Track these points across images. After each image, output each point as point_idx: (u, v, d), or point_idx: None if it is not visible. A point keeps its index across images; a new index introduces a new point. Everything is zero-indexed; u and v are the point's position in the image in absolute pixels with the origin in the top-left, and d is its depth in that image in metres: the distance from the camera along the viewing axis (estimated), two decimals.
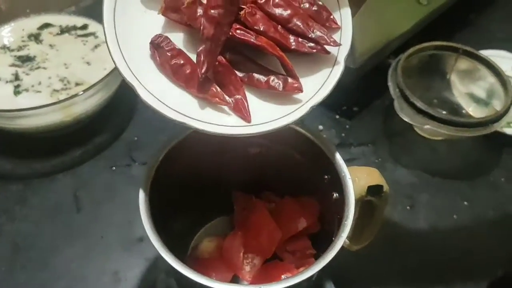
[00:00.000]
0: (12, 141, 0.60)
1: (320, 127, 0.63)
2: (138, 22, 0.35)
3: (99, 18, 0.65)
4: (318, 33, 0.33)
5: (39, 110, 0.52)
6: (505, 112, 0.57)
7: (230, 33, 0.33)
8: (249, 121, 0.33)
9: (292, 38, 0.34)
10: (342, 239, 0.34)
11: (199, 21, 0.33)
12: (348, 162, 0.59)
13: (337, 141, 0.62)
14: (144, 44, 0.34)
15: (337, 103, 0.66)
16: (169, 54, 0.33)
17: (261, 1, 0.34)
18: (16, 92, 0.58)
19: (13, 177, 0.57)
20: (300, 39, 0.34)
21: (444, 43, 0.63)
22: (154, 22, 0.35)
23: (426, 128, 0.59)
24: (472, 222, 0.56)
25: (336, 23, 0.34)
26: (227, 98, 0.33)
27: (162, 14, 0.34)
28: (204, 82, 0.33)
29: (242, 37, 0.33)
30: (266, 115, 0.33)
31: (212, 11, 0.32)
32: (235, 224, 0.45)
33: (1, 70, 0.60)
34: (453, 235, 0.54)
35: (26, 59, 0.62)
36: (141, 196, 0.37)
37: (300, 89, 0.33)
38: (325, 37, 0.33)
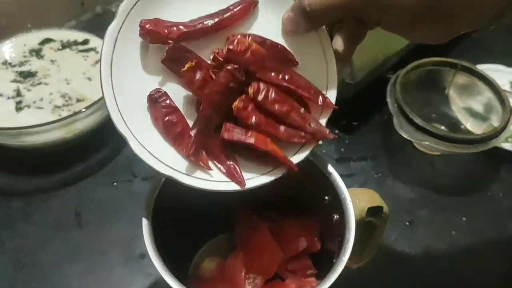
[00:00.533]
0: (13, 158, 0.60)
1: (320, 142, 0.63)
2: (139, 71, 0.35)
3: (100, 33, 0.67)
4: (314, 125, 0.36)
5: (42, 128, 0.52)
6: (503, 128, 0.58)
7: (221, 137, 0.35)
8: (243, 186, 0.35)
9: (282, 128, 0.36)
10: (343, 263, 0.34)
11: (196, 85, 0.34)
12: (348, 177, 0.61)
13: (336, 156, 0.63)
14: (145, 93, 0.35)
15: (336, 118, 0.66)
16: (164, 111, 0.35)
17: (260, 99, 0.35)
18: (18, 108, 0.59)
19: (15, 194, 0.57)
20: (289, 129, 0.36)
21: (443, 59, 0.64)
22: (156, 69, 0.36)
23: (425, 144, 0.60)
24: (471, 238, 0.56)
25: (332, 105, 0.37)
26: (211, 164, 0.35)
27: (162, 62, 0.35)
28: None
29: (235, 139, 0.35)
30: (251, 172, 0.36)
31: (216, 95, 0.34)
32: (237, 243, 0.45)
33: (3, 86, 0.61)
34: (452, 251, 0.55)
35: (27, 75, 0.62)
36: (144, 220, 0.37)
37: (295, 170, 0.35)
38: (321, 130, 0.36)
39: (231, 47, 0.34)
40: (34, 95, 0.60)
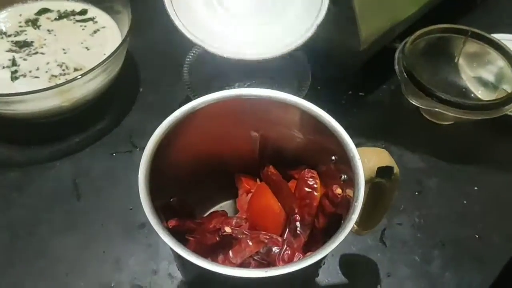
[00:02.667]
0: (9, 127, 0.58)
1: None
2: None
3: (98, 3, 0.65)
4: None
5: (36, 95, 0.50)
6: None
7: None
8: None
9: None
10: (352, 221, 0.32)
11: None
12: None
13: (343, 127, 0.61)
14: None
15: (343, 89, 0.65)
16: None
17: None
18: (13, 77, 0.57)
19: (11, 164, 0.55)
20: None
21: (452, 26, 0.62)
22: None
23: (434, 112, 0.58)
24: (482, 207, 0.54)
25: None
26: None
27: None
28: None
29: None
30: None
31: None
32: (239, 208, 0.44)
33: None
34: (463, 221, 0.53)
35: (23, 45, 0.61)
36: (141, 179, 0.35)
37: None
38: None
39: None
40: (30, 64, 0.58)
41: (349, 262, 0.49)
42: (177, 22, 0.52)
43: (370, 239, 0.51)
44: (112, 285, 0.47)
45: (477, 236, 0.52)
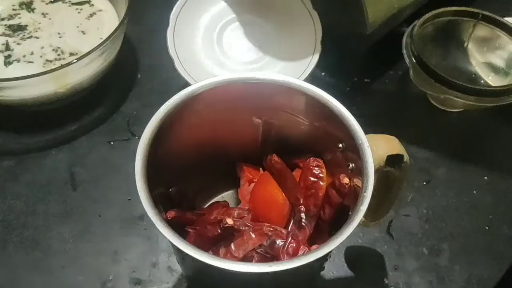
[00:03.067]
0: (3, 115, 0.56)
1: None
2: None
3: None
4: None
5: (30, 80, 0.48)
6: None
7: None
8: None
9: None
10: (361, 213, 0.30)
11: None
12: None
13: None
14: None
15: (348, 75, 0.62)
16: None
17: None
18: (7, 62, 0.55)
19: (4, 153, 0.53)
20: None
21: (462, 8, 0.59)
22: None
23: (443, 99, 0.55)
24: (493, 197, 0.52)
25: None
26: None
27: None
28: None
29: None
30: None
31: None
32: (240, 198, 0.42)
33: None
34: (473, 212, 0.51)
35: (17, 28, 0.58)
36: (137, 168, 0.33)
37: None
38: None
39: None
40: (24, 49, 0.56)
41: (355, 255, 0.48)
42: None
43: (377, 231, 0.49)
44: (110, 278, 0.45)
45: (487, 228, 0.50)
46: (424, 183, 0.53)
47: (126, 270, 0.46)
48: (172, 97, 0.36)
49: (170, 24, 0.55)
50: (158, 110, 0.36)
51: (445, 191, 0.53)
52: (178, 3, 0.56)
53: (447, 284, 0.46)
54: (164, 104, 0.36)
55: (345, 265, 0.47)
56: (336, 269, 0.46)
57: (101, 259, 0.46)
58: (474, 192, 0.53)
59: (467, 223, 0.51)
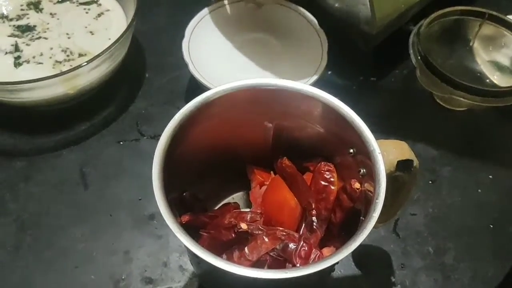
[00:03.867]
0: (14, 116, 0.57)
1: None
2: None
3: None
4: None
5: (41, 83, 0.48)
6: None
7: None
8: None
9: None
10: (374, 219, 0.31)
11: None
12: None
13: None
14: None
15: (354, 74, 0.63)
16: None
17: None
18: (17, 63, 0.55)
19: (16, 154, 0.54)
20: None
21: (469, 8, 0.60)
22: None
23: (448, 98, 0.56)
24: (497, 196, 0.53)
25: None
26: None
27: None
28: None
29: None
30: None
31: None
32: (252, 201, 0.42)
33: (0, 41, 0.57)
34: (478, 211, 0.52)
35: (26, 29, 0.59)
36: (155, 172, 0.34)
37: None
38: None
39: None
40: (33, 50, 0.57)
41: (362, 254, 0.48)
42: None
43: (383, 230, 0.50)
44: (123, 277, 0.46)
45: (491, 226, 0.51)
46: (430, 182, 0.54)
47: (138, 269, 0.47)
48: (187, 104, 0.37)
49: (185, 36, 0.57)
50: (174, 117, 0.36)
51: (450, 190, 0.53)
52: (196, 16, 0.59)
53: (452, 283, 0.47)
54: (179, 111, 0.36)
55: (353, 264, 0.48)
56: (343, 268, 0.47)
57: (113, 259, 0.47)
58: (479, 190, 0.53)
59: (472, 221, 0.51)
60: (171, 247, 0.48)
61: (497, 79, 0.61)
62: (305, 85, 0.37)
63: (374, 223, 0.31)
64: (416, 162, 0.37)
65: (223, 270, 0.29)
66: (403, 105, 0.61)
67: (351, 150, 0.37)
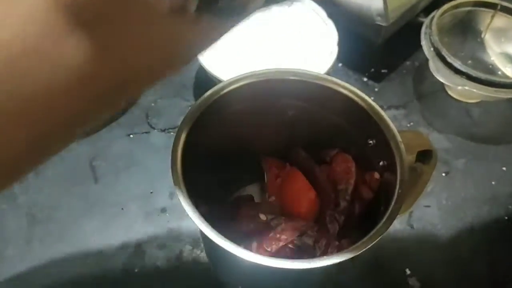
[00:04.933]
0: None
1: None
2: None
3: None
4: None
5: None
6: None
7: None
8: None
9: None
10: (396, 210, 0.31)
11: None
12: None
13: None
14: None
15: (365, 65, 0.62)
16: None
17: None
18: None
19: None
20: None
21: None
22: None
23: (461, 90, 0.55)
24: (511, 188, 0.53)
25: None
26: None
27: None
28: None
29: None
30: None
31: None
32: (269, 192, 0.42)
33: None
34: (492, 203, 0.52)
35: None
36: (176, 176, 0.33)
37: None
38: None
39: None
40: None
41: (376, 246, 0.48)
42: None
43: (397, 222, 0.49)
44: (136, 270, 0.46)
45: (506, 218, 0.51)
46: (444, 174, 0.53)
47: (150, 262, 0.46)
48: (202, 96, 0.36)
49: None
50: (189, 110, 0.35)
51: (464, 182, 0.53)
52: None
53: (469, 277, 0.47)
54: (196, 102, 0.36)
55: (366, 256, 0.47)
56: (357, 260, 0.47)
57: (125, 252, 0.47)
58: (493, 183, 0.53)
59: (487, 214, 0.51)
60: (184, 240, 0.48)
61: (508, 71, 0.60)
62: (324, 75, 0.36)
63: (397, 214, 0.30)
64: (435, 153, 0.37)
65: (244, 259, 0.29)
66: (414, 97, 0.61)
67: (370, 141, 0.37)
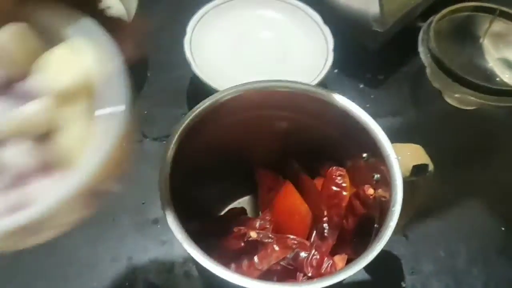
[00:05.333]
0: None
1: None
2: None
3: None
4: None
5: None
6: None
7: None
8: None
9: None
10: (391, 229, 0.30)
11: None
12: None
13: None
14: None
15: (361, 72, 0.61)
16: None
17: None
18: None
19: None
20: None
21: (480, 4, 0.58)
22: None
23: (458, 97, 0.55)
24: (508, 197, 0.52)
25: None
26: None
27: None
28: None
29: None
30: None
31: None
32: (261, 206, 0.41)
33: None
34: (489, 212, 0.51)
35: None
36: (162, 175, 0.32)
37: None
38: None
39: None
40: None
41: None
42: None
43: (392, 233, 0.49)
44: (126, 284, 0.45)
45: (503, 229, 0.50)
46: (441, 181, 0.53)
47: (142, 276, 0.45)
48: (196, 107, 0.35)
49: (187, 33, 0.56)
50: (182, 120, 0.35)
51: (461, 191, 0.52)
52: (198, 13, 0.58)
53: None
54: (188, 113, 0.35)
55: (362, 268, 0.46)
56: None
57: (116, 264, 0.46)
58: (490, 191, 0.52)
59: (483, 224, 0.50)
60: (176, 252, 0.47)
61: (507, 77, 0.59)
62: (318, 88, 0.36)
63: (391, 233, 0.30)
64: (431, 167, 0.36)
65: (232, 283, 0.28)
66: (411, 104, 0.60)
67: (365, 155, 0.36)
